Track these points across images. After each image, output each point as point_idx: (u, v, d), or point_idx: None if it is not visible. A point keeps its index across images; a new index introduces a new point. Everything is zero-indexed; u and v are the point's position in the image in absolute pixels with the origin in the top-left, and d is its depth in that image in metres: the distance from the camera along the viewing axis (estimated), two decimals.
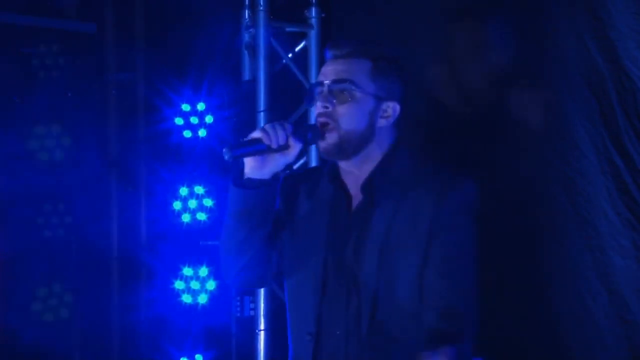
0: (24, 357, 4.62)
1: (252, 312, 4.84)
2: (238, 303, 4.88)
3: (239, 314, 4.91)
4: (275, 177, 2.83)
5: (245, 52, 4.95)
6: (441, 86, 4.61)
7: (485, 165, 4.33)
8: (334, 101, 2.81)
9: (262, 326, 4.80)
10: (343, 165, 2.91)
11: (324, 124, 2.82)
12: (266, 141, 2.73)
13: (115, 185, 4.70)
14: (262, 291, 4.76)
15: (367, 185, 2.87)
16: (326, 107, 2.81)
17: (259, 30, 4.89)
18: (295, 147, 2.79)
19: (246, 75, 4.95)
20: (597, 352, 4.05)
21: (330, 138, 2.81)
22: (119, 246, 4.68)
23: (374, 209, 2.83)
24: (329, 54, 2.90)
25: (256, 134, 2.76)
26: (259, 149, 2.75)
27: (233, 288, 4.73)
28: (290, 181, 2.99)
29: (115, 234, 4.65)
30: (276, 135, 2.74)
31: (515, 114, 4.33)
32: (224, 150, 2.73)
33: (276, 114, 4.80)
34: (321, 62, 4.76)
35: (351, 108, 2.81)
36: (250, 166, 2.79)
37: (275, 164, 2.79)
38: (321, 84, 2.85)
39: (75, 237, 4.82)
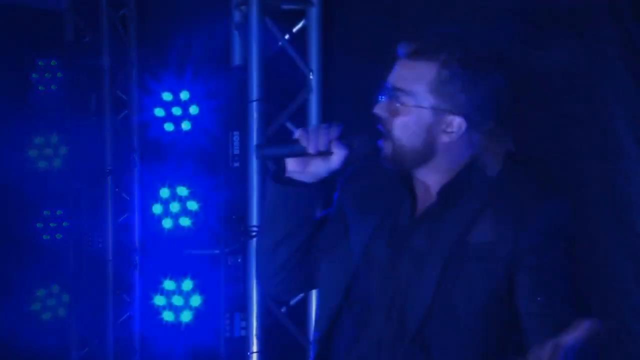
0: (23, 353, 4.91)
1: (243, 332, 4.75)
2: (228, 321, 4.79)
3: (228, 334, 4.81)
4: (320, 181, 2.82)
5: (236, 32, 4.85)
6: None
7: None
8: (390, 109, 2.76)
9: (254, 348, 4.70)
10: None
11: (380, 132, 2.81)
12: (304, 144, 2.73)
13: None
14: (254, 308, 4.70)
15: (443, 192, 2.78)
16: (382, 115, 2.77)
17: (251, 8, 4.75)
18: (339, 155, 2.76)
19: (236, 60, 4.86)
20: None
21: (385, 148, 2.76)
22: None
23: (444, 216, 2.77)
24: (398, 51, 2.79)
25: (296, 135, 2.77)
26: (295, 151, 2.74)
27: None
28: (353, 182, 2.93)
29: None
30: (317, 139, 2.74)
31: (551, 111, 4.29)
32: (255, 146, 2.66)
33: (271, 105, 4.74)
34: (322, 44, 5.04)
35: (404, 121, 2.73)
36: (291, 166, 2.81)
37: (317, 169, 2.78)
38: (384, 87, 2.82)
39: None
